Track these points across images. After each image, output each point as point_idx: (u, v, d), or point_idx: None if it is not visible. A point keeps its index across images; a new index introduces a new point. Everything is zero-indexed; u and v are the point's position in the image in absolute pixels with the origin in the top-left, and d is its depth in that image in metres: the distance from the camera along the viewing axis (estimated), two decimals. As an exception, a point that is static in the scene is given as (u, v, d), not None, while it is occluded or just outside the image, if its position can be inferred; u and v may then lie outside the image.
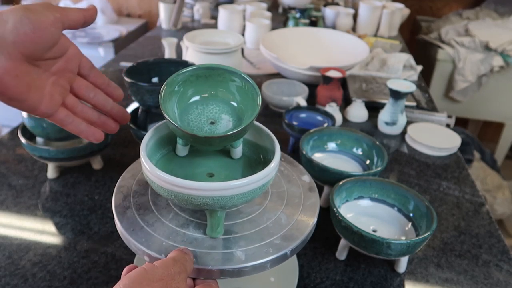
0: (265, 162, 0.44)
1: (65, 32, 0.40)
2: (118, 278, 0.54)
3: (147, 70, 0.73)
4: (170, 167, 0.44)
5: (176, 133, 0.41)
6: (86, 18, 0.40)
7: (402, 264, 0.58)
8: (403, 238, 0.58)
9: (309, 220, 0.44)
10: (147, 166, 0.38)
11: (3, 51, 0.35)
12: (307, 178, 0.51)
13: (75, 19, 0.39)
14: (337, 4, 1.94)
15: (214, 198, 0.37)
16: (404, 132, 0.94)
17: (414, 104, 1.06)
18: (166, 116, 0.38)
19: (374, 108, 1.03)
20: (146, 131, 0.73)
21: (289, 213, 0.45)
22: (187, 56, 1.02)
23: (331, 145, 0.75)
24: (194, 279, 0.39)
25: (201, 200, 0.37)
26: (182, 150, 0.45)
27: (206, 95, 0.43)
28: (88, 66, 0.44)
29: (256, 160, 0.46)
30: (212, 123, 0.43)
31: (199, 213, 0.44)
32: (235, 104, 0.43)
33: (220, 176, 0.43)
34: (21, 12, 0.35)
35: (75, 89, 0.43)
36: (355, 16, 1.74)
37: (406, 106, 1.03)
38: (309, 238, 0.44)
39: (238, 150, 0.45)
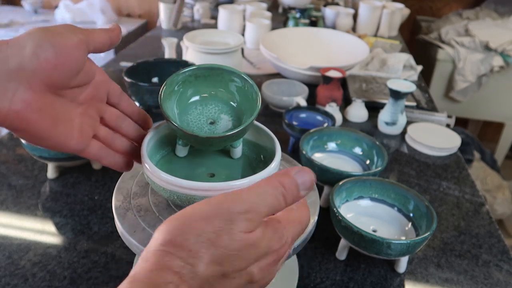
0: (265, 162, 0.44)
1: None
2: (118, 278, 0.54)
3: (147, 70, 0.73)
4: (170, 168, 0.44)
5: (177, 133, 0.41)
6: (112, 39, 0.36)
7: (402, 264, 0.58)
8: (403, 238, 0.58)
9: (310, 219, 0.44)
10: (149, 168, 0.38)
11: (22, 81, 0.30)
12: None
13: (100, 40, 0.35)
14: (337, 4, 1.94)
15: None
16: (404, 132, 0.94)
17: (414, 104, 1.06)
18: (166, 116, 0.38)
19: (374, 108, 1.03)
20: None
21: None
22: (187, 56, 1.02)
23: (331, 145, 0.75)
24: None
25: None
26: (181, 150, 0.45)
27: (206, 95, 0.43)
28: (118, 93, 0.40)
29: (256, 159, 0.46)
30: (211, 123, 0.43)
31: None
32: (234, 104, 0.43)
33: (220, 176, 0.43)
34: (40, 34, 0.31)
35: (106, 120, 0.39)
36: (355, 16, 1.74)
37: (406, 106, 1.02)
38: (310, 237, 0.44)
39: (238, 150, 0.45)
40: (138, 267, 0.26)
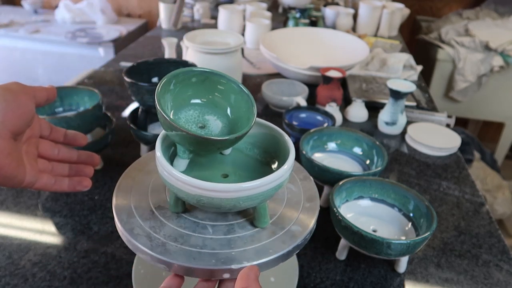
0: (279, 164, 0.44)
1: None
2: (118, 278, 0.54)
3: (147, 70, 0.73)
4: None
5: (166, 130, 0.40)
6: (49, 96, 0.44)
7: (402, 264, 0.58)
8: (403, 238, 0.58)
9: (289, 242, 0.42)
10: (163, 166, 0.38)
11: None
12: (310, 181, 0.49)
13: (41, 96, 0.42)
14: (337, 4, 1.94)
15: (223, 199, 0.37)
16: (404, 132, 0.94)
17: (414, 104, 1.06)
18: (161, 111, 0.38)
19: (374, 108, 1.03)
20: (146, 131, 0.73)
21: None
22: (187, 56, 1.02)
23: (331, 145, 0.75)
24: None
25: (211, 201, 0.37)
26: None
27: (205, 100, 0.43)
28: (46, 126, 0.46)
29: (269, 162, 0.46)
30: (201, 127, 0.43)
31: (198, 212, 0.44)
32: (227, 110, 0.43)
33: (233, 177, 0.43)
34: (2, 92, 0.37)
35: (41, 152, 0.45)
36: (355, 16, 1.74)
37: (406, 106, 1.03)
38: (310, 237, 0.44)
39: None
40: None
